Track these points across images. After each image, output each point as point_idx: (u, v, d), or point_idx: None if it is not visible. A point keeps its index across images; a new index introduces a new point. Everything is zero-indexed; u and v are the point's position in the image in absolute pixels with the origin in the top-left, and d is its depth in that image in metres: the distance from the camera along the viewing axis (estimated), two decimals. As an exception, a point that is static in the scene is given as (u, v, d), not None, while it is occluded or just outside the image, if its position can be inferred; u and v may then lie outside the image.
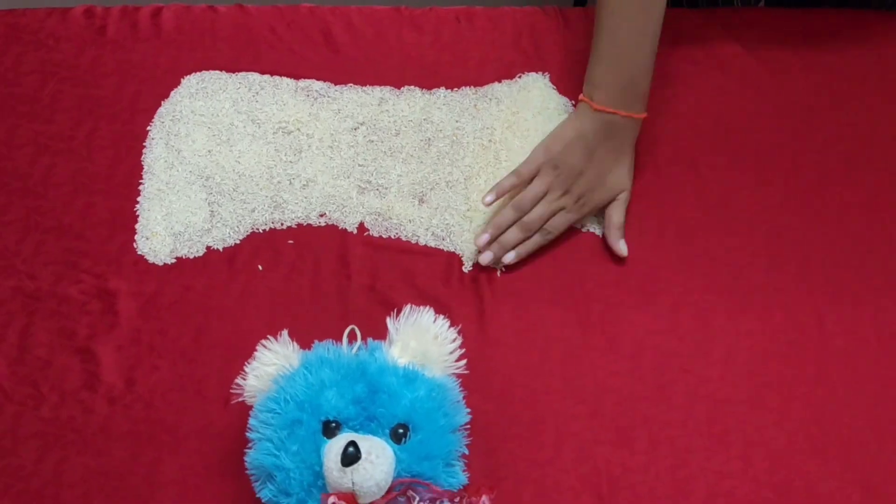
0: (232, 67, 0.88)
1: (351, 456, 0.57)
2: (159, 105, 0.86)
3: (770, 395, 0.74)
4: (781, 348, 0.76)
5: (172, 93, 0.87)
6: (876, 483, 0.71)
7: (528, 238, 0.78)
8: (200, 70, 0.88)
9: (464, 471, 0.65)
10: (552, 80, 0.87)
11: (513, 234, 0.77)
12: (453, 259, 0.80)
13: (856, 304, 0.77)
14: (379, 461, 0.58)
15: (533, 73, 0.87)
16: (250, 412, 0.65)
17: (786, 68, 0.89)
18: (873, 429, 0.73)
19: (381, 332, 0.68)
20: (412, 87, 0.87)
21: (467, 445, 0.66)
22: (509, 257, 0.76)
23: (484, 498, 0.63)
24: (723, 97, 0.87)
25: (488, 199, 0.76)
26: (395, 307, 0.69)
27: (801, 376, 0.75)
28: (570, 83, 0.87)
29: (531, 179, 0.78)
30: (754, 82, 0.88)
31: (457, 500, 0.62)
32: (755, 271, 0.79)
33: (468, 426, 0.67)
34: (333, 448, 0.59)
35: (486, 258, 0.76)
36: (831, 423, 0.73)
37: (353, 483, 0.58)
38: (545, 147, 0.79)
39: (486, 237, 0.76)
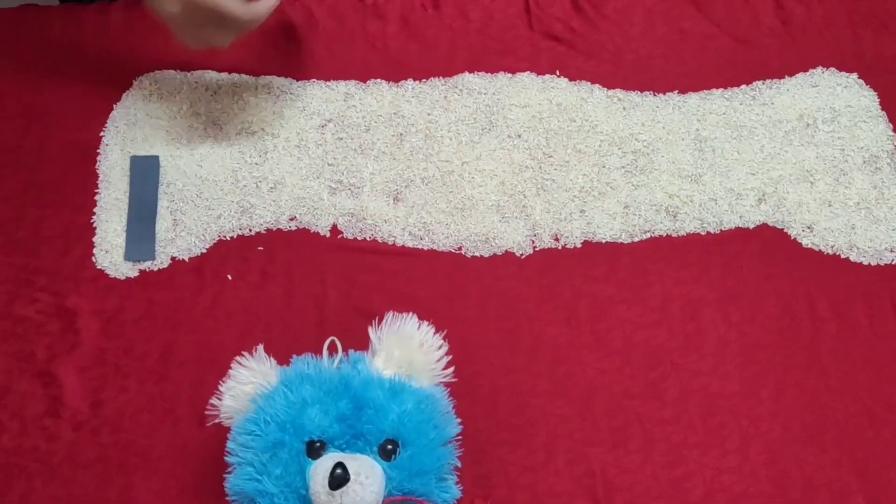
0: (186, 66, 0.85)
1: (339, 478, 0.55)
2: (111, 109, 0.83)
3: (763, 385, 0.73)
4: (773, 337, 0.74)
5: (124, 95, 0.83)
6: (873, 469, 0.70)
7: None
8: (153, 70, 0.85)
9: (457, 484, 0.63)
10: (520, 68, 0.85)
11: None
12: (433, 259, 0.77)
13: (846, 287, 0.76)
14: (368, 482, 0.56)
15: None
16: (228, 433, 0.62)
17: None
18: (868, 413, 0.72)
19: (361, 341, 0.65)
20: (378, 80, 0.84)
21: (457, 457, 0.64)
22: None
23: (479, 509, 0.61)
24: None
25: None
26: (374, 313, 0.66)
27: (794, 364, 0.73)
28: (542, 68, 0.84)
29: None
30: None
31: (451, 515, 0.59)
32: (746, 259, 0.77)
33: (459, 436, 0.64)
34: (319, 470, 0.57)
35: None
36: (826, 411, 0.72)
37: (342, 506, 0.55)
38: None
39: None
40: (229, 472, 0.61)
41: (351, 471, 0.55)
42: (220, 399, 0.63)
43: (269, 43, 0.86)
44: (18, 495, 0.68)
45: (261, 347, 0.64)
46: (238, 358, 0.64)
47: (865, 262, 0.77)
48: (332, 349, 0.64)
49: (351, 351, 0.64)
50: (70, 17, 0.86)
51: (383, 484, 0.58)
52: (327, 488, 0.55)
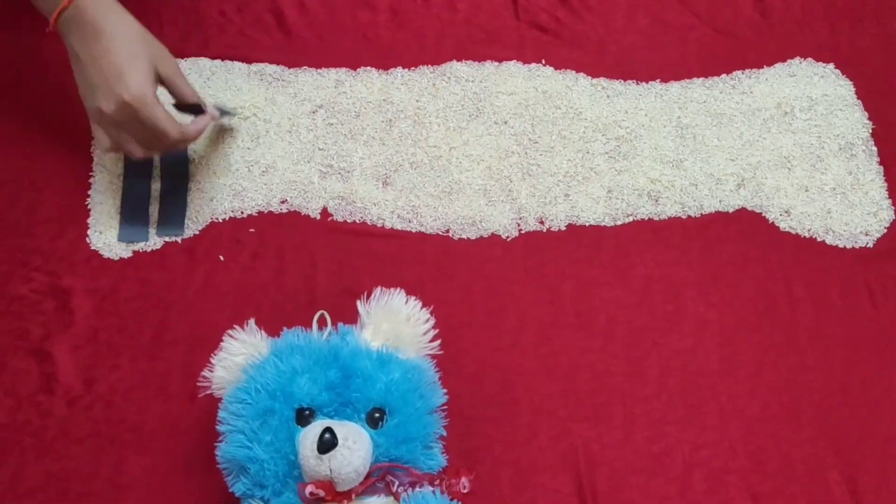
0: (180, 52, 0.85)
1: (327, 442, 0.56)
2: (107, 94, 0.83)
3: (741, 364, 0.74)
4: (751, 317, 0.76)
5: (120, 81, 0.84)
6: (848, 445, 0.71)
7: None
8: (148, 57, 0.85)
9: (442, 453, 0.64)
10: (508, 57, 0.86)
11: None
12: (421, 241, 0.78)
13: (823, 270, 0.78)
14: (356, 446, 0.57)
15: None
16: (218, 406, 0.63)
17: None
18: (843, 391, 0.73)
19: (350, 319, 0.66)
20: (368, 67, 0.85)
21: (443, 428, 0.65)
22: None
23: (464, 480, 0.63)
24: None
25: None
26: (363, 293, 0.67)
27: (772, 344, 0.75)
28: (528, 58, 0.86)
29: None
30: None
31: (436, 483, 0.60)
32: (725, 242, 0.79)
33: (444, 408, 0.65)
34: (309, 435, 0.57)
35: None
36: (802, 389, 0.73)
37: (330, 470, 0.56)
38: None
39: None
40: (221, 441, 0.61)
41: (339, 436, 0.56)
42: (211, 371, 0.63)
43: (262, 31, 0.86)
44: (12, 469, 0.68)
45: (252, 321, 0.65)
46: (230, 331, 0.64)
47: (841, 246, 0.79)
48: (322, 323, 0.65)
49: (340, 324, 0.65)
50: (66, 6, 0.87)
51: (370, 449, 0.58)
52: (316, 453, 0.56)
